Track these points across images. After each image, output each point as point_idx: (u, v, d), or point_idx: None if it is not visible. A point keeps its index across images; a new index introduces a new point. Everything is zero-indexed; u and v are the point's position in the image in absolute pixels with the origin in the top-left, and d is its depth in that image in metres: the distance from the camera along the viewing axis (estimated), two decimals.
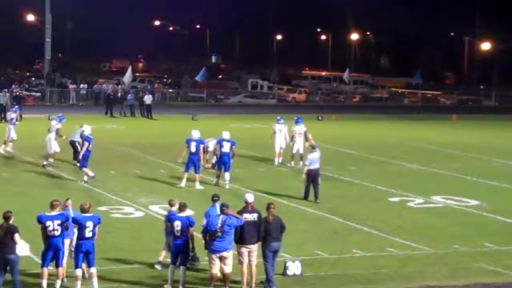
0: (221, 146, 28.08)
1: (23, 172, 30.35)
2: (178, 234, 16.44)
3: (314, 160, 25.63)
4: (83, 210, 16.18)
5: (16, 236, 15.50)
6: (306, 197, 25.72)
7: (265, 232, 16.60)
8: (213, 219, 16.31)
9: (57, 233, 15.88)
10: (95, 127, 42.01)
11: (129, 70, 66.00)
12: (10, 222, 15.66)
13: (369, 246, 20.31)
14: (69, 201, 17.12)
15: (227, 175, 28.10)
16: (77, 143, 31.03)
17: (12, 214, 15.77)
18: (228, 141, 28.13)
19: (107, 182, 28.48)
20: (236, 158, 30.11)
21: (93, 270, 16.09)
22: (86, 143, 28.25)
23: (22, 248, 15.52)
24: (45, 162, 31.46)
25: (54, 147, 31.78)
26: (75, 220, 16.07)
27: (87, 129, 29.13)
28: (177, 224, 16.45)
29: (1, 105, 49.03)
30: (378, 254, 19.62)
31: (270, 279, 16.65)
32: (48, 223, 15.84)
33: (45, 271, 15.95)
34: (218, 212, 16.78)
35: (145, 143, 39.42)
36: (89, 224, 15.98)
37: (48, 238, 15.89)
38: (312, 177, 25.54)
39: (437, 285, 17.37)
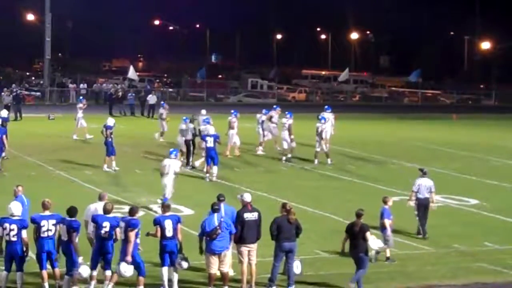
0: (205, 142, 29.20)
1: (24, 172, 30.34)
2: (170, 234, 16.30)
3: (423, 186, 21.61)
4: (105, 211, 16.14)
5: (367, 234, 16.53)
6: (423, 233, 21.37)
7: (277, 231, 16.55)
8: (209, 219, 16.29)
9: (50, 233, 15.82)
10: (95, 126, 42.11)
11: (132, 68, 65.89)
12: (361, 220, 16.76)
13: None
14: (20, 188, 17.51)
15: (215, 169, 28.99)
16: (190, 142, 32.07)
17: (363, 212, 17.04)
18: (211, 136, 29.33)
19: (107, 182, 28.49)
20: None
21: (108, 272, 16.02)
22: None
23: (376, 242, 16.85)
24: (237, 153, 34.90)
25: (235, 139, 35.05)
26: (92, 219, 16.07)
27: None
28: (168, 224, 16.30)
29: (6, 105, 49.07)
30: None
31: (273, 279, 16.65)
32: (43, 222, 15.79)
33: (45, 273, 15.90)
34: (223, 213, 16.84)
35: (145, 143, 39.43)
36: (106, 224, 15.93)
37: (40, 239, 15.81)
38: (423, 207, 21.53)
39: (437, 284, 17.38)
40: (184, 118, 34.35)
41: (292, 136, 34.22)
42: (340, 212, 24.24)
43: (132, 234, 15.72)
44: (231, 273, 16.88)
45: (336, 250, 19.78)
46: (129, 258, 15.71)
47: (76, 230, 15.79)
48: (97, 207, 16.78)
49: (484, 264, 18.92)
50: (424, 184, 21.54)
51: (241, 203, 16.93)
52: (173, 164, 24.22)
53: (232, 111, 36.53)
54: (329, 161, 33.69)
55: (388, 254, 18.83)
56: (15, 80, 71.77)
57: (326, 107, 40.07)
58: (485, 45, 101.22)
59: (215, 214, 16.31)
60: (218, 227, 16.09)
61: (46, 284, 15.84)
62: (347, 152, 37.43)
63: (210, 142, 29.03)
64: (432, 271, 18.27)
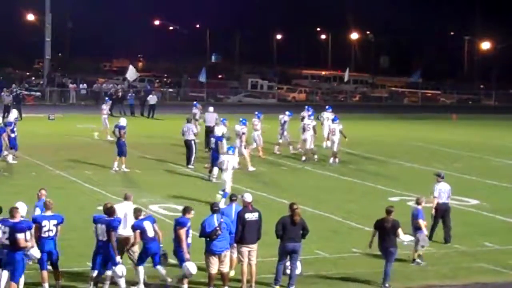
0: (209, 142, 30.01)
1: (24, 172, 30.36)
2: (152, 234, 16.26)
3: (442, 191, 21.22)
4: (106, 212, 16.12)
5: (399, 230, 17.09)
6: (431, 236, 20.64)
7: (282, 231, 16.52)
8: (209, 220, 16.26)
9: (51, 234, 15.80)
10: (95, 126, 42.22)
11: (131, 67, 65.84)
12: (392, 216, 17.24)
13: None
14: (43, 191, 17.29)
15: (214, 170, 29.00)
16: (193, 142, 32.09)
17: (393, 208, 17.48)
18: (213, 137, 29.70)
19: (107, 181, 28.49)
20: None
21: (109, 273, 15.98)
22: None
23: (406, 237, 17.67)
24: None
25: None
26: (93, 220, 16.05)
27: None
28: (148, 225, 16.25)
29: (6, 105, 49.14)
30: (379, 254, 19.56)
31: (278, 279, 16.65)
32: (44, 222, 15.76)
33: (45, 274, 15.88)
34: (233, 212, 16.88)
35: (145, 143, 39.45)
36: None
37: (41, 239, 15.76)
38: (441, 212, 21.07)
39: (438, 284, 17.39)
40: (222, 119, 34.37)
41: (316, 135, 35.13)
42: (340, 212, 24.26)
43: (181, 232, 15.79)
44: (231, 273, 16.88)
45: (336, 250, 19.82)
46: (187, 256, 15.83)
47: (115, 229, 15.83)
48: (123, 208, 16.85)
49: (484, 264, 18.92)
50: (444, 189, 21.20)
51: (242, 203, 16.94)
52: (231, 160, 25.17)
53: (256, 112, 36.56)
54: (331, 160, 33.85)
55: (420, 254, 18.87)
56: (15, 80, 71.69)
57: (327, 107, 40.34)
58: (485, 45, 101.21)
59: (215, 215, 16.31)
60: (218, 228, 16.08)
61: (46, 285, 15.83)
62: (347, 152, 37.41)
63: (213, 143, 29.14)
64: (432, 271, 18.28)
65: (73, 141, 39.97)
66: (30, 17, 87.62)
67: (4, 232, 15.05)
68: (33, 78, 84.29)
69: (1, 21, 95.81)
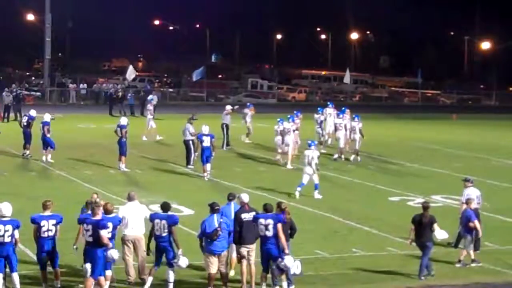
0: (201, 141, 29.39)
1: (24, 172, 30.36)
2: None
3: (471, 197, 19.97)
4: (106, 211, 16.03)
5: (435, 225, 17.60)
6: (456, 244, 19.98)
7: None
8: (209, 220, 16.21)
9: (50, 233, 15.77)
10: (95, 126, 42.22)
11: (131, 67, 65.85)
12: (429, 212, 17.75)
13: (369, 245, 20.30)
14: (95, 195, 17.30)
15: (208, 166, 29.25)
16: (191, 142, 31.98)
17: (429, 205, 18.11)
18: (207, 135, 29.47)
19: (107, 181, 28.48)
20: (217, 151, 31.32)
21: (109, 273, 15.92)
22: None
23: (442, 233, 17.91)
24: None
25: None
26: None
27: (46, 117, 33.44)
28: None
29: (6, 105, 49.15)
30: (379, 254, 19.62)
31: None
32: (43, 222, 15.71)
33: (44, 274, 15.86)
34: (232, 211, 16.84)
35: (145, 143, 39.43)
36: (109, 225, 15.82)
37: (40, 239, 15.75)
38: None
39: (438, 284, 17.37)
40: (279, 119, 34.28)
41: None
42: (340, 212, 24.23)
43: (282, 228, 16.05)
44: (231, 273, 16.87)
45: (336, 250, 19.81)
46: (287, 250, 16.00)
47: (176, 222, 16.15)
48: (129, 208, 16.87)
49: (484, 264, 18.90)
50: (473, 194, 20.29)
51: (239, 203, 16.93)
52: (312, 154, 26.24)
53: (295, 112, 36.48)
54: (352, 158, 34.43)
55: (473, 256, 18.78)
56: (15, 80, 71.72)
57: (328, 103, 40.57)
58: (485, 45, 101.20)
59: (215, 215, 16.27)
60: (218, 228, 16.05)
61: (47, 284, 15.83)
62: (347, 152, 37.37)
63: (206, 142, 29.14)
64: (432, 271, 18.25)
65: (73, 141, 39.96)
66: (30, 17, 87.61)
67: (87, 230, 15.48)
68: (33, 78, 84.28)
69: (1, 21, 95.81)
